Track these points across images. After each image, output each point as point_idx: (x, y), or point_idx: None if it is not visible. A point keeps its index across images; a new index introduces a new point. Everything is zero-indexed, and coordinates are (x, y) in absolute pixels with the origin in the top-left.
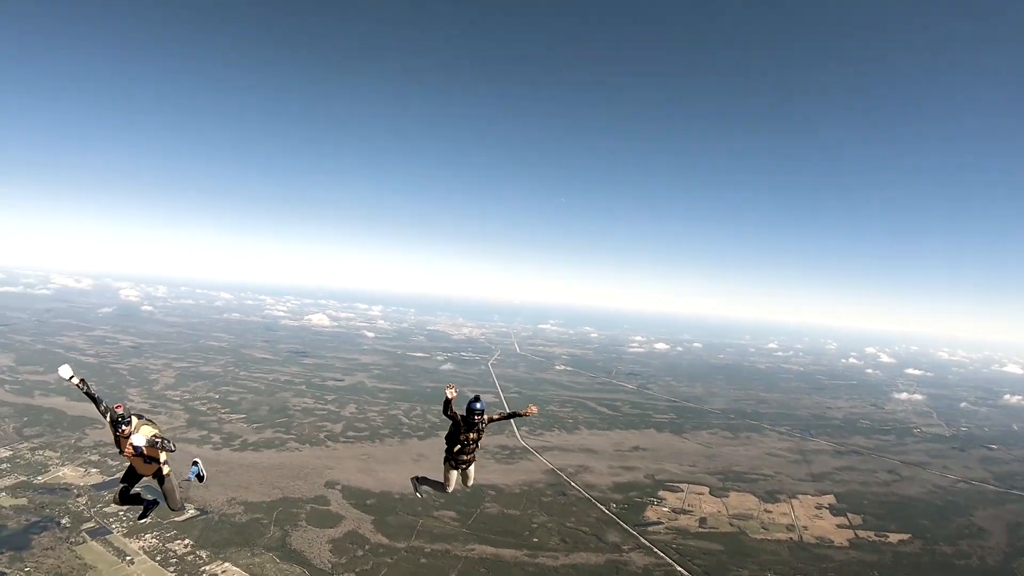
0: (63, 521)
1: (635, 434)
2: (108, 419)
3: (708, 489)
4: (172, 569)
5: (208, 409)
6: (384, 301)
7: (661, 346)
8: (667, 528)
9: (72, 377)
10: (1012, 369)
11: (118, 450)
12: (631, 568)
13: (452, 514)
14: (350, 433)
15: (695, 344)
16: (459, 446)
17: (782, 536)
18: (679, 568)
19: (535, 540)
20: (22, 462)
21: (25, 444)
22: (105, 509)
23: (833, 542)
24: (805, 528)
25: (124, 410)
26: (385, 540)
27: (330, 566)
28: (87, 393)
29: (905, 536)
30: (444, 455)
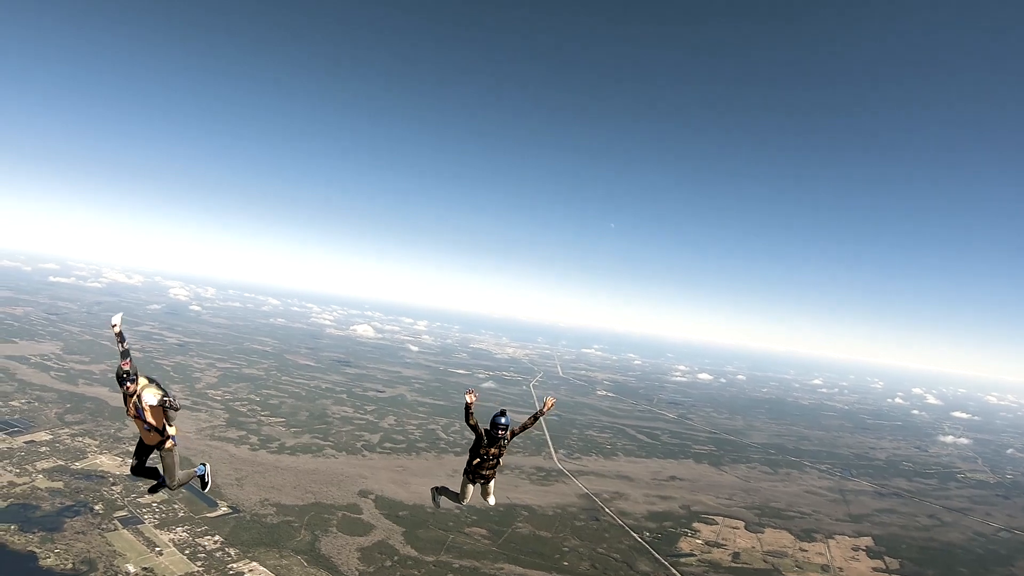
0: (96, 507)
1: (673, 464)
2: (116, 374)
3: (743, 523)
4: (200, 564)
5: (248, 411)
6: (430, 316)
7: (704, 376)
8: (699, 560)
9: (116, 326)
10: None
11: (125, 409)
12: None
13: (483, 531)
14: (387, 444)
15: (739, 376)
16: (479, 460)
17: None
18: None
19: (565, 563)
20: (61, 447)
21: (66, 430)
22: (139, 499)
23: None
24: (840, 570)
25: (131, 367)
26: (414, 552)
27: (357, 574)
28: (120, 345)
29: None
30: (464, 467)
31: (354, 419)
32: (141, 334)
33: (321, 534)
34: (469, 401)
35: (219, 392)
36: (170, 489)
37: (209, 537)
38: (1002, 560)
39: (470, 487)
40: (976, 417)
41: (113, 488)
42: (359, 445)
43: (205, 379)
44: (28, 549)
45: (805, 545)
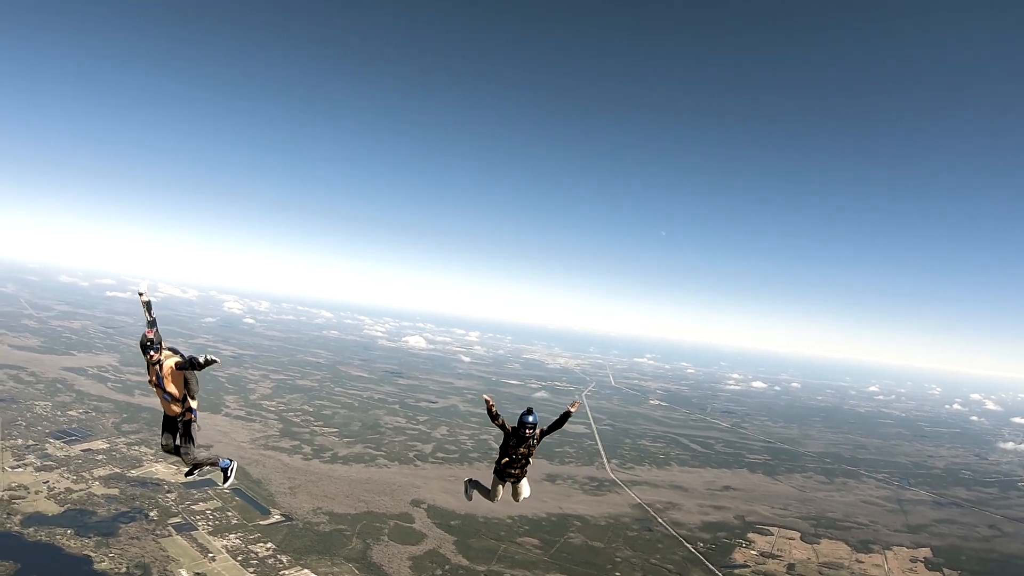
0: (151, 514)
1: (727, 473)
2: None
3: (799, 534)
4: (252, 570)
5: (302, 421)
6: (482, 327)
7: (759, 385)
8: (754, 572)
9: (144, 295)
10: None
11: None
12: None
13: (535, 541)
14: (439, 454)
15: (793, 384)
16: (507, 459)
17: None
18: None
19: (617, 574)
20: (118, 455)
21: (122, 439)
22: (193, 506)
23: None
24: None
25: (155, 335)
26: (465, 562)
27: None
28: (148, 314)
29: None
30: (495, 466)
31: (407, 429)
32: (196, 347)
33: (373, 542)
34: (488, 404)
35: (273, 403)
36: (184, 463)
37: (262, 544)
38: None
39: (500, 486)
40: None
41: (168, 495)
42: (411, 455)
43: (259, 390)
44: (83, 553)
45: (862, 556)
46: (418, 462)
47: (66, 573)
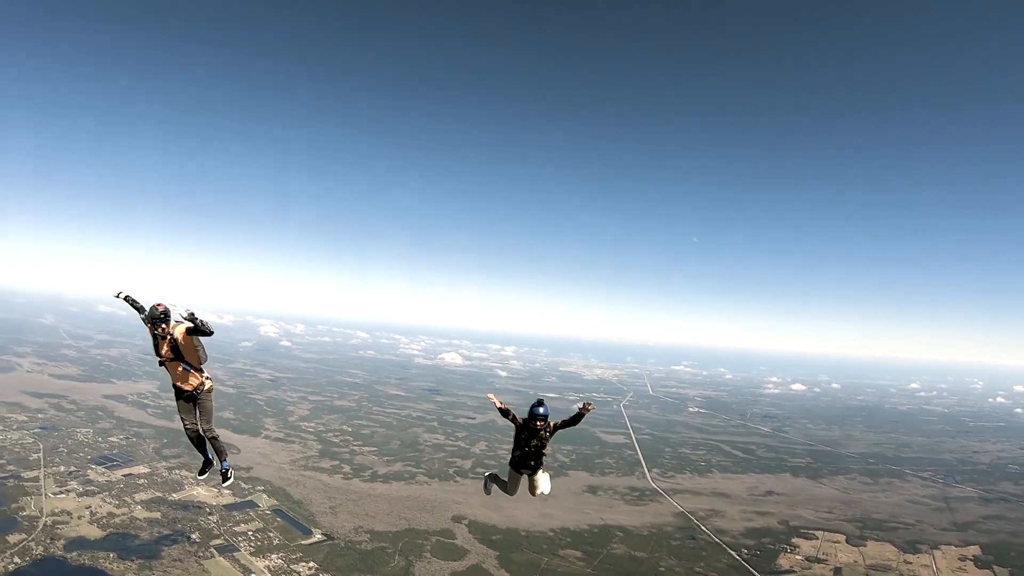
0: (193, 536)
1: (770, 478)
2: (147, 319)
3: (845, 537)
4: None
5: (340, 441)
6: (517, 342)
7: (798, 387)
8: None
9: (120, 294)
10: None
11: (157, 356)
12: None
13: (578, 553)
14: (479, 469)
15: (833, 385)
16: (520, 453)
17: None
18: None
19: None
20: (159, 479)
21: (163, 463)
22: (234, 528)
23: None
24: None
25: (164, 308)
26: None
27: None
28: (132, 304)
29: None
30: (509, 458)
31: (446, 446)
32: (234, 371)
33: (415, 559)
34: (496, 405)
35: (312, 424)
36: (204, 431)
37: (304, 563)
38: None
39: (518, 480)
40: None
41: (210, 518)
42: (451, 471)
43: (298, 412)
44: None
45: (910, 557)
46: (458, 478)
47: None
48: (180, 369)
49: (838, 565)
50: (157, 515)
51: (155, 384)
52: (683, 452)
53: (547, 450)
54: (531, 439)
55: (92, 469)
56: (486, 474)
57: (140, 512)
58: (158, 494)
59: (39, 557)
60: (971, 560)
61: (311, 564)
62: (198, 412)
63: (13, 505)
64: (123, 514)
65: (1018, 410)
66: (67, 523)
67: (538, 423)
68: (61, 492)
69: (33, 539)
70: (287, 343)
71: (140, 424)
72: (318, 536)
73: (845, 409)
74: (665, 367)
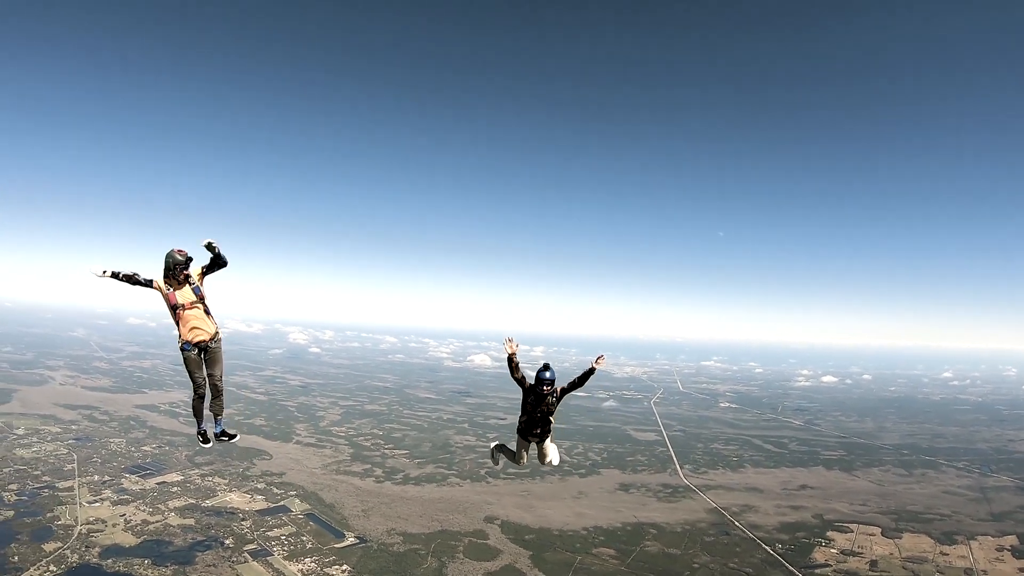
0: (227, 541)
1: (803, 472)
2: (169, 266)
3: (880, 530)
4: None
5: (372, 445)
6: (546, 342)
7: (829, 379)
8: (835, 571)
9: (105, 272)
10: None
11: (171, 307)
12: None
13: (611, 551)
14: (511, 470)
15: (864, 376)
16: (527, 418)
17: None
18: None
19: None
20: (192, 486)
21: (196, 471)
22: (268, 533)
23: None
24: (985, 572)
25: (184, 254)
26: (542, 575)
27: None
28: (124, 278)
29: None
30: (517, 426)
31: (477, 447)
32: (264, 378)
33: (448, 560)
34: (510, 351)
35: (343, 428)
36: (215, 381)
37: (337, 567)
38: None
39: (525, 449)
40: None
41: (243, 523)
42: (483, 472)
43: (329, 417)
44: None
45: (946, 548)
46: (490, 479)
47: None
48: (201, 314)
49: (874, 558)
50: (191, 521)
51: (186, 393)
52: (715, 448)
53: (554, 417)
54: (538, 404)
55: (126, 478)
56: (492, 444)
57: (174, 519)
58: (191, 501)
59: (75, 565)
60: (1008, 550)
61: (344, 567)
62: (205, 367)
63: (48, 515)
64: (157, 521)
65: None
66: (102, 531)
67: (544, 387)
68: (96, 501)
69: (68, 547)
70: (316, 349)
71: (172, 433)
72: (351, 539)
73: (877, 400)
74: (695, 363)
